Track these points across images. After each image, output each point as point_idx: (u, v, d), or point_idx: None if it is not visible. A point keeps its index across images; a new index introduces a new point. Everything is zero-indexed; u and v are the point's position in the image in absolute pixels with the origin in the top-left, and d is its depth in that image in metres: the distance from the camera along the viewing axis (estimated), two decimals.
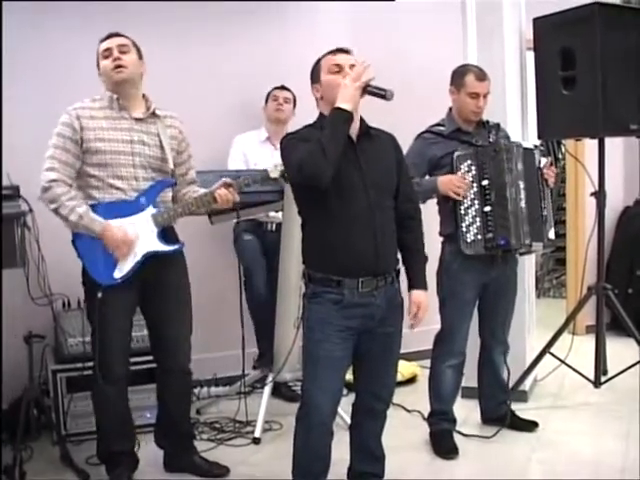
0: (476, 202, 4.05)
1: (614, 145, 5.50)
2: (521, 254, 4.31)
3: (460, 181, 4.01)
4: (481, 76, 4.14)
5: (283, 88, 5.21)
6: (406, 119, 4.45)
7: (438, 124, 4.23)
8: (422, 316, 3.32)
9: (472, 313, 4.26)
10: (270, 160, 4.79)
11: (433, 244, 4.16)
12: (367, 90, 3.05)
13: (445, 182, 4.02)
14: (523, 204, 4.09)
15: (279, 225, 4.88)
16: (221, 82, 5.26)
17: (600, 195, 4.72)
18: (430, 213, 4.13)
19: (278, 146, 4.97)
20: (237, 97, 5.32)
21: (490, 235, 4.02)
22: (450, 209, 4.10)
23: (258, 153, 5.08)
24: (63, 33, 4.83)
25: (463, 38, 4.87)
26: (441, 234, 4.24)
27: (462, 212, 4.05)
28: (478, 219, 4.04)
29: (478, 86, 4.11)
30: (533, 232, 4.13)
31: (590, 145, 5.11)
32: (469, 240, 4.05)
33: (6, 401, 4.41)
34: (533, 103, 4.87)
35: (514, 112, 4.85)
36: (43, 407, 4.31)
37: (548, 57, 4.68)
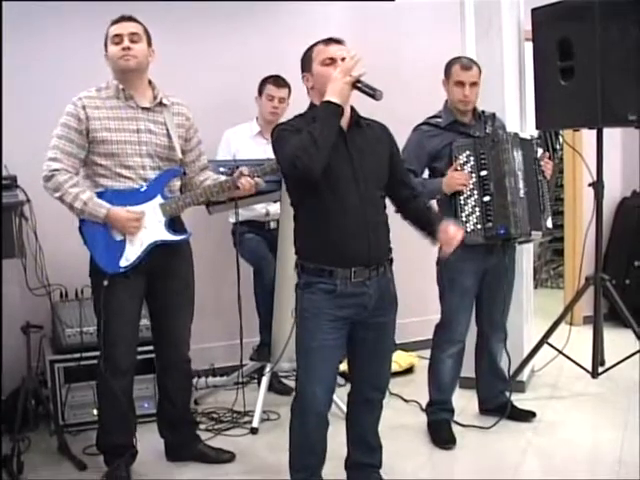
0: (475, 192, 4.06)
1: (612, 136, 5.49)
2: (520, 243, 4.32)
3: (460, 174, 4.02)
4: (467, 65, 4.15)
5: (279, 82, 4.99)
6: (403, 112, 4.45)
7: (435, 116, 4.23)
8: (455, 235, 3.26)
9: (472, 302, 4.27)
10: (264, 155, 4.77)
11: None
12: (357, 86, 3.03)
13: (448, 181, 4.03)
14: (522, 194, 4.10)
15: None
16: (212, 74, 5.23)
17: (598, 186, 4.72)
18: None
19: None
20: (229, 89, 5.28)
21: (489, 225, 4.04)
22: (448, 200, 4.10)
23: (250, 148, 4.95)
24: (60, 29, 4.83)
25: (461, 29, 4.85)
26: None
27: (461, 202, 4.07)
28: (477, 209, 4.05)
29: (462, 75, 4.11)
30: (532, 221, 4.14)
31: (588, 136, 5.10)
32: (469, 230, 4.04)
33: (4, 392, 4.41)
34: (531, 94, 4.87)
35: (512, 103, 4.83)
36: (41, 398, 4.31)
37: (546, 48, 4.67)
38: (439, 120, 4.19)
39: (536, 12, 4.75)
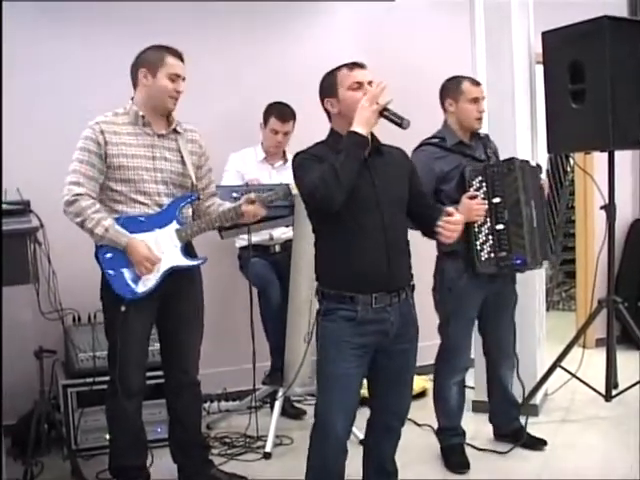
0: (488, 220, 3.97)
1: (622, 158, 5.49)
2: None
3: (478, 204, 3.91)
4: (475, 81, 4.19)
5: (284, 117, 4.91)
6: (414, 133, 4.45)
7: (435, 137, 4.14)
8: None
9: (472, 328, 4.22)
10: (269, 180, 4.77)
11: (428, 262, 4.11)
12: (383, 114, 2.99)
13: (465, 211, 3.80)
14: (535, 223, 4.06)
15: (284, 244, 4.88)
16: (217, 96, 5.22)
17: (610, 208, 4.70)
18: None
19: (276, 165, 4.99)
20: (234, 110, 5.26)
21: (503, 254, 3.95)
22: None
23: (256, 172, 4.93)
24: (77, 48, 4.86)
25: (472, 52, 4.88)
26: (443, 251, 4.06)
27: (475, 230, 3.97)
28: (490, 237, 3.97)
29: (475, 91, 4.13)
30: (543, 250, 4.12)
31: (599, 158, 5.10)
32: (483, 258, 3.97)
33: (17, 415, 4.43)
34: (542, 117, 4.86)
35: (523, 126, 4.85)
36: (54, 422, 4.30)
37: (557, 71, 4.68)
38: (443, 141, 4.12)
39: (547, 35, 4.75)
